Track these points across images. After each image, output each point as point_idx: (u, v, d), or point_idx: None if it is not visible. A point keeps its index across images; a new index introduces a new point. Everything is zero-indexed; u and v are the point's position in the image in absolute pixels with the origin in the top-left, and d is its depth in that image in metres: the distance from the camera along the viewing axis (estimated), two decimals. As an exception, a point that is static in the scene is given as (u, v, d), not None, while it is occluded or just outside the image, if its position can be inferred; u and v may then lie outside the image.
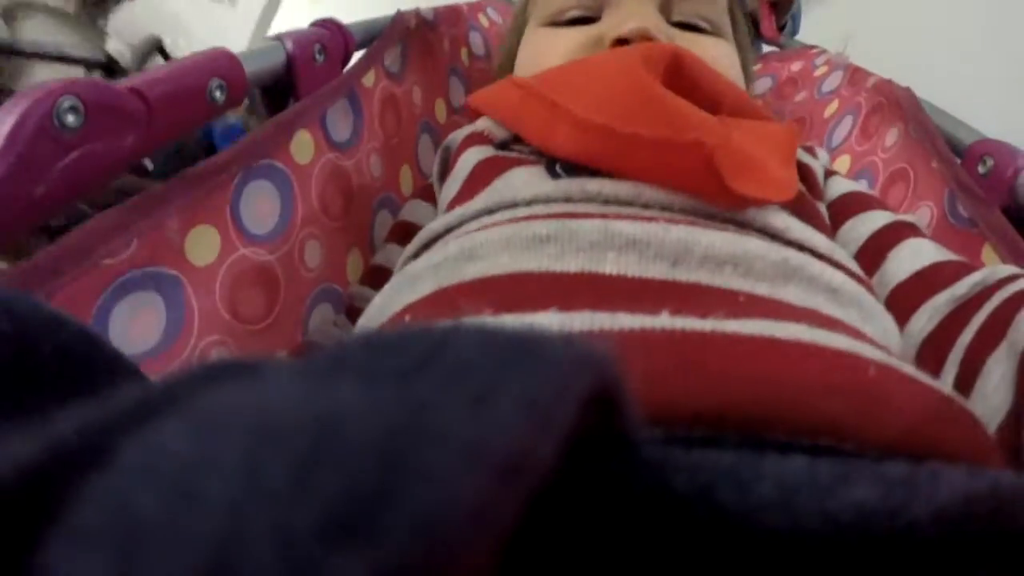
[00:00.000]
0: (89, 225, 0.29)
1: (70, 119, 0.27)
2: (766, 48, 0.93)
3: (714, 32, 0.43)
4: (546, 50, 0.42)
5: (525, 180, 0.33)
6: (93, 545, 0.08)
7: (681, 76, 0.33)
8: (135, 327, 0.31)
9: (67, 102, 0.27)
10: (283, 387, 0.10)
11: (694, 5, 0.42)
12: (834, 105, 0.67)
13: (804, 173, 0.40)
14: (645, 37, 0.38)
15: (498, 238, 0.26)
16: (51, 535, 0.08)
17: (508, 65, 0.51)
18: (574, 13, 0.43)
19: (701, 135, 0.27)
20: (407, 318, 0.26)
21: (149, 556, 0.07)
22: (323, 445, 0.08)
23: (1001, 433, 0.24)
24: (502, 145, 0.39)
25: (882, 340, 0.26)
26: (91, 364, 0.15)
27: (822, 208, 0.40)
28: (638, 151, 0.28)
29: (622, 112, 0.29)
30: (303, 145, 0.44)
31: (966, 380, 0.27)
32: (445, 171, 0.44)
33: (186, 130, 0.35)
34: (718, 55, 0.41)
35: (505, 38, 0.54)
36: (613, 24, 0.40)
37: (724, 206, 0.28)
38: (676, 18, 0.42)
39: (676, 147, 0.27)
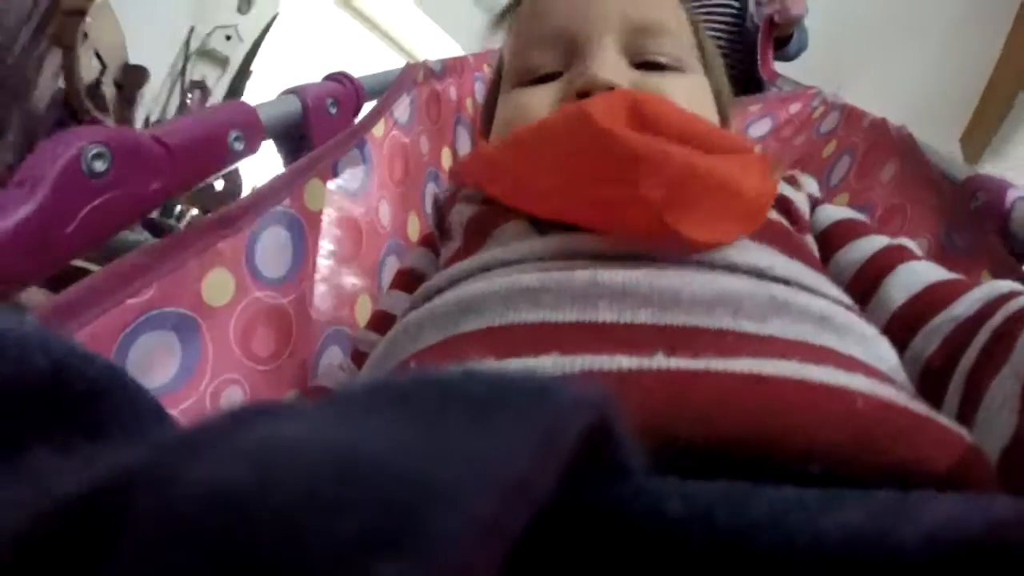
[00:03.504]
0: (113, 266, 0.30)
1: (98, 165, 0.29)
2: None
3: (680, 68, 0.42)
4: (515, 111, 0.42)
5: (515, 236, 0.34)
6: (154, 562, 0.09)
7: (644, 119, 0.32)
8: (153, 364, 0.32)
9: (94, 149, 0.29)
10: (314, 425, 0.11)
11: (656, 43, 0.41)
12: (832, 145, 0.69)
13: (785, 207, 0.40)
14: (605, 86, 0.37)
15: (493, 292, 0.27)
16: (117, 552, 0.09)
17: (486, 128, 0.51)
18: (544, 70, 0.42)
19: (649, 186, 0.27)
20: (412, 365, 0.27)
21: (211, 566, 0.08)
22: (361, 472, 0.09)
23: (1005, 457, 0.24)
24: (488, 200, 0.39)
25: (877, 364, 0.26)
26: (117, 400, 0.16)
27: (809, 240, 0.40)
28: (597, 210, 0.29)
29: (578, 167, 0.30)
30: (315, 193, 0.45)
31: (969, 404, 0.27)
32: (440, 227, 0.45)
33: (206, 177, 0.36)
34: (683, 92, 0.40)
35: (484, 100, 0.54)
36: (572, 77, 0.40)
37: (701, 251, 0.29)
38: (639, 59, 0.41)
39: (625, 202, 0.28)
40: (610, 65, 0.39)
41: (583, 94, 0.38)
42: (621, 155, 0.29)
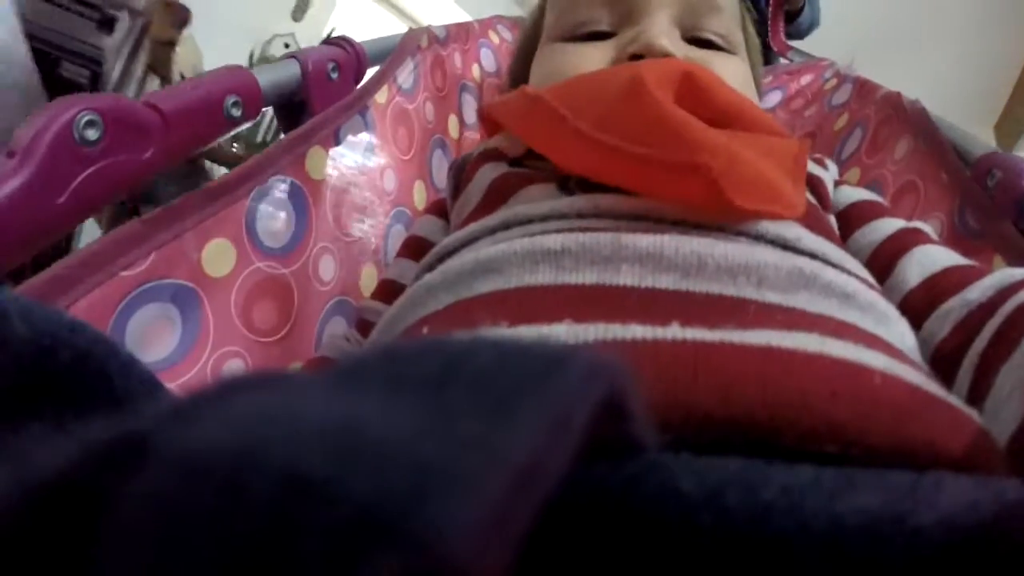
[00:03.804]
0: (108, 237, 0.30)
1: (90, 133, 0.28)
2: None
3: (728, 49, 0.43)
4: (561, 66, 0.42)
5: (539, 197, 0.34)
6: (139, 539, 0.08)
7: (693, 93, 0.33)
8: (152, 337, 0.31)
9: (86, 117, 0.28)
10: (312, 395, 0.11)
11: (709, 21, 0.42)
12: (844, 118, 0.67)
13: (814, 185, 0.40)
14: (660, 53, 0.38)
15: (513, 252, 0.27)
16: (99, 531, 0.09)
17: (517, 81, 0.51)
18: (590, 28, 0.42)
19: (707, 155, 0.27)
20: (424, 330, 0.26)
21: (194, 547, 0.08)
22: (356, 448, 0.09)
23: (1014, 442, 0.23)
24: (516, 162, 0.40)
25: (899, 344, 0.26)
26: (107, 370, 0.16)
27: (832, 219, 0.40)
28: (645, 171, 0.29)
29: (630, 130, 0.29)
30: (317, 161, 0.44)
31: (980, 389, 0.27)
32: (458, 187, 0.44)
33: (203, 144, 0.35)
34: (731, 72, 0.41)
35: (516, 53, 0.54)
36: (628, 39, 0.40)
37: (733, 220, 0.28)
38: (691, 34, 0.42)
39: (682, 168, 0.27)
40: (666, 33, 0.39)
41: (637, 58, 0.38)
42: (667, 129, 0.28)
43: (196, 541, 0.08)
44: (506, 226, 0.31)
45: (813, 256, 0.28)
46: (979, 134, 0.52)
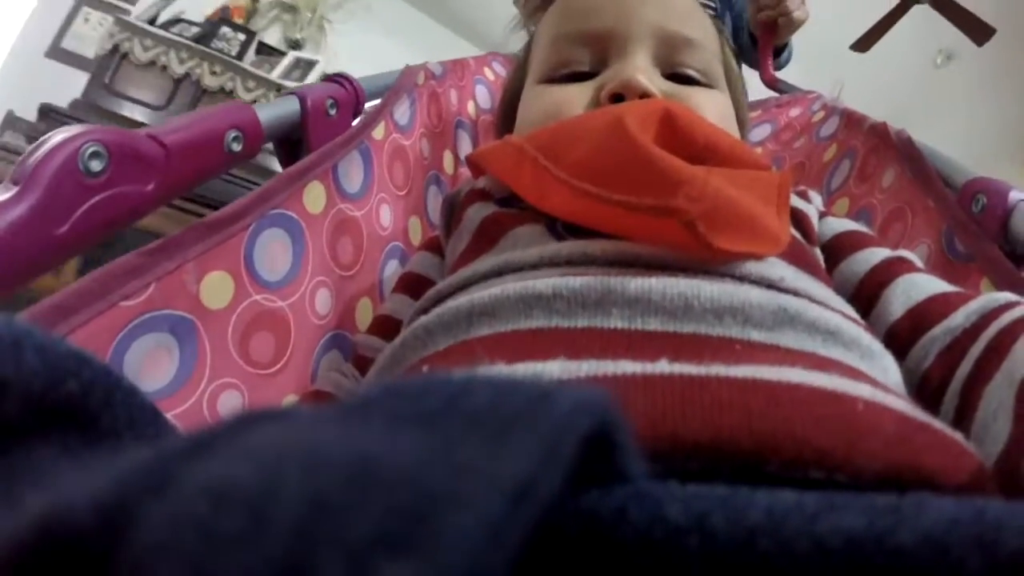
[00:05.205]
0: (109, 267, 0.30)
1: (94, 164, 0.29)
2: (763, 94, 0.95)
3: (708, 84, 0.43)
4: (544, 106, 0.42)
5: (529, 241, 0.34)
6: (166, 562, 0.09)
7: (674, 131, 0.33)
8: (149, 367, 0.31)
9: (91, 148, 0.29)
10: (320, 428, 0.12)
11: (687, 57, 0.43)
12: (832, 149, 0.68)
13: (798, 219, 0.41)
14: (639, 90, 0.38)
15: (506, 297, 0.27)
16: (123, 558, 0.09)
17: (506, 121, 0.51)
18: (571, 68, 0.43)
19: (685, 199, 0.27)
20: (424, 369, 0.27)
21: (227, 565, 0.08)
22: (366, 475, 0.10)
23: (1001, 462, 0.24)
24: (504, 201, 0.40)
25: (882, 378, 0.26)
26: (111, 400, 0.16)
27: (817, 252, 0.40)
28: (626, 216, 0.29)
29: (610, 174, 0.30)
30: (315, 195, 0.45)
31: (965, 411, 0.27)
32: (450, 224, 0.45)
33: (203, 178, 0.36)
34: (712, 107, 0.41)
35: (503, 94, 0.55)
36: (607, 79, 0.40)
37: (716, 263, 0.29)
38: (670, 70, 0.43)
39: (660, 212, 0.28)
40: (644, 70, 0.40)
41: (616, 96, 0.39)
42: (648, 169, 0.29)
43: (228, 560, 0.08)
44: (498, 273, 0.31)
45: (797, 294, 0.28)
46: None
